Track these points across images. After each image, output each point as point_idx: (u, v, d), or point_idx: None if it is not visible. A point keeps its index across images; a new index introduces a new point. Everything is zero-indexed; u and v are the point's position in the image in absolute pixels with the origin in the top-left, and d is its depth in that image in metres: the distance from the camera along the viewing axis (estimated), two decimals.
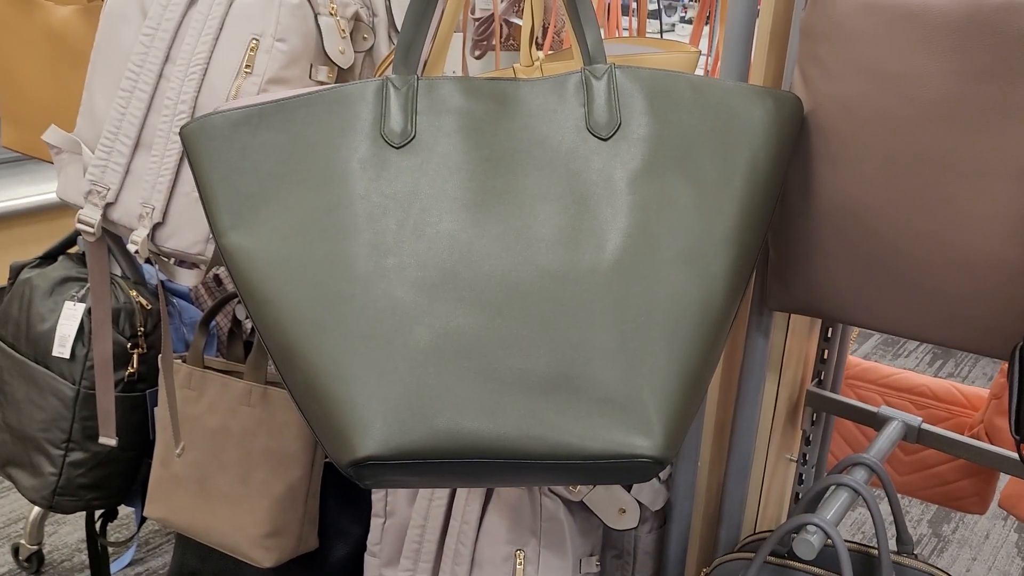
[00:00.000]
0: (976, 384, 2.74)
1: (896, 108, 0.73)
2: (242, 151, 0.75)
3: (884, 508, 2.08)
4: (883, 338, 2.99)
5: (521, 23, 1.56)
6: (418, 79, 0.76)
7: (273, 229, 0.72)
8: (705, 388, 0.70)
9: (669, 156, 0.73)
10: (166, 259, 1.03)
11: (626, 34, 1.61)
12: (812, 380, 1.10)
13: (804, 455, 1.14)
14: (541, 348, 0.67)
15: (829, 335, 1.09)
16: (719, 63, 1.41)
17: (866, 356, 2.84)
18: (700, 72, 1.27)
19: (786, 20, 0.91)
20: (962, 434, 1.00)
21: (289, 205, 0.72)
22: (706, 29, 1.47)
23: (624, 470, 0.66)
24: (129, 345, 1.29)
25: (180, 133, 0.76)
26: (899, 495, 1.85)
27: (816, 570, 0.89)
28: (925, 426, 0.99)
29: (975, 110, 0.70)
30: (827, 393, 1.08)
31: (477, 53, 1.59)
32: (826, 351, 1.10)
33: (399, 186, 0.72)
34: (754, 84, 0.79)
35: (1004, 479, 1.36)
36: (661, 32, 1.62)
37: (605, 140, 0.74)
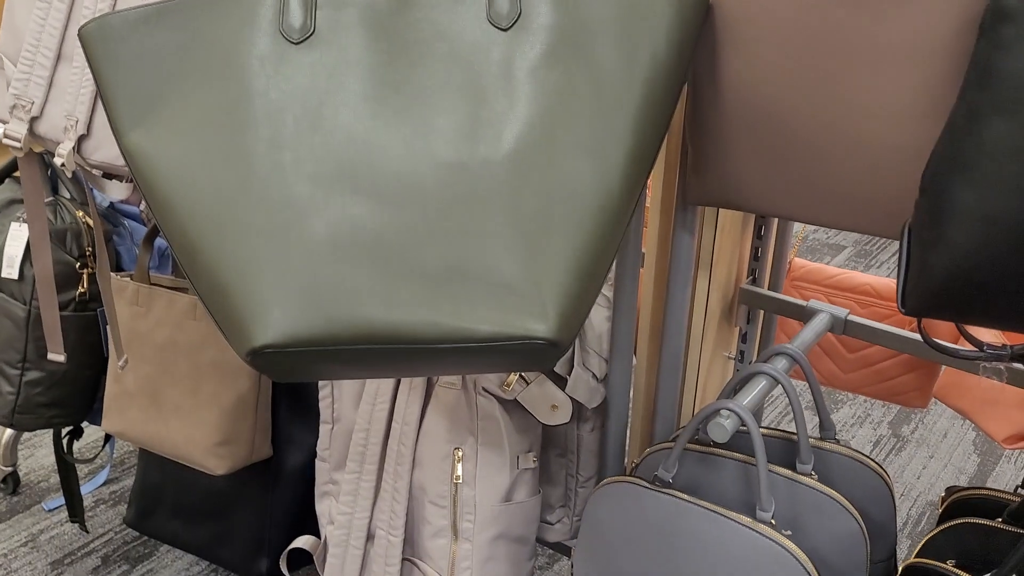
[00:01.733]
0: None
1: None
2: (140, 51, 0.74)
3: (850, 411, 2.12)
4: (856, 251, 3.01)
5: None
6: None
7: (172, 129, 0.72)
8: (602, 277, 0.71)
9: (569, 46, 0.73)
10: (94, 172, 1.04)
11: None
12: (747, 278, 1.12)
13: (741, 352, 1.16)
14: (437, 238, 0.68)
15: (762, 233, 1.10)
16: None
17: (840, 268, 2.85)
18: None
19: None
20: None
21: (188, 104, 0.73)
22: None
23: (521, 352, 0.67)
24: (78, 265, 1.30)
25: (79, 34, 0.76)
26: (845, 392, 1.88)
27: (735, 455, 0.91)
28: (851, 318, 1.00)
29: None
30: (759, 290, 1.09)
31: None
32: (759, 249, 1.11)
33: (297, 82, 0.72)
34: None
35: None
36: None
37: (505, 31, 0.73)
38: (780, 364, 0.92)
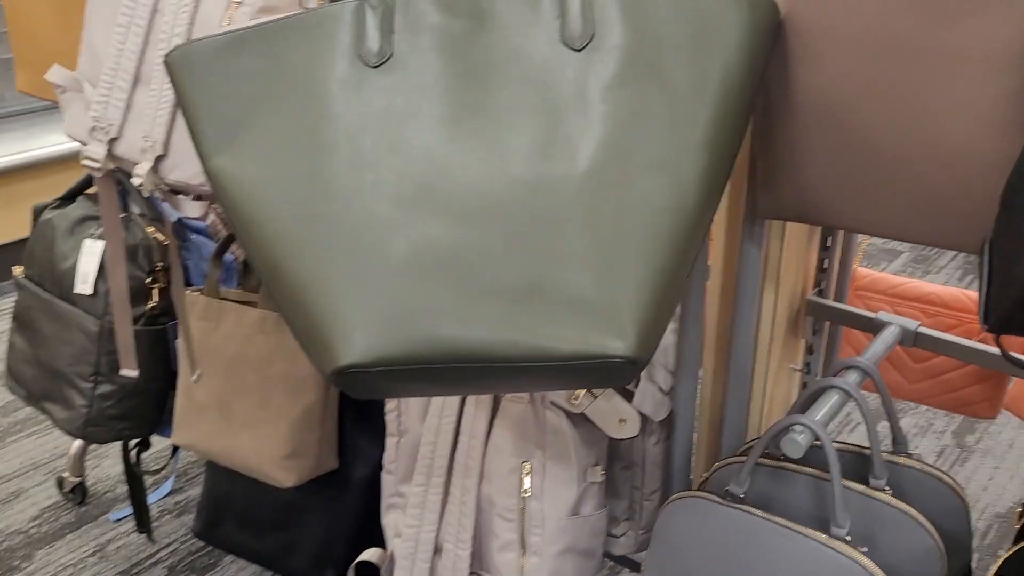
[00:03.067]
0: None
1: None
2: (224, 77, 0.76)
3: (908, 422, 2.09)
4: (913, 255, 2.96)
5: None
6: None
7: (255, 152, 0.74)
8: (679, 292, 0.72)
9: (642, 65, 0.74)
10: (171, 191, 1.06)
11: None
12: (813, 290, 1.11)
13: (808, 364, 1.15)
14: (515, 256, 0.68)
15: (828, 244, 1.09)
16: None
17: (898, 274, 2.81)
18: None
19: None
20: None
21: (270, 128, 0.74)
22: None
23: (599, 371, 0.68)
24: (148, 280, 1.33)
25: (165, 61, 0.78)
26: (912, 402, 1.86)
27: (808, 469, 0.91)
28: (922, 329, 0.99)
29: None
30: (827, 302, 1.08)
31: None
32: (826, 260, 1.10)
33: (376, 104, 0.73)
34: None
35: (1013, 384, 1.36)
36: None
37: (579, 51, 0.74)
38: (852, 378, 0.91)
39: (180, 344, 1.29)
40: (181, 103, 0.78)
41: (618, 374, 0.68)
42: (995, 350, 0.96)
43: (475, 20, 0.76)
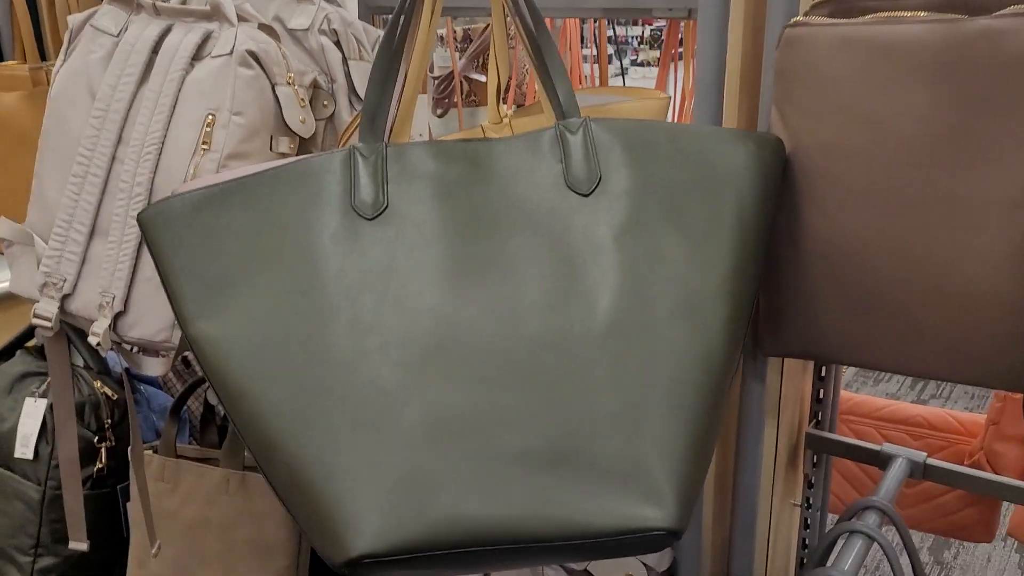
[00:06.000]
0: (960, 403, 2.74)
1: (879, 147, 0.71)
2: (205, 234, 0.71)
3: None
4: None
5: (481, 79, 1.54)
6: (386, 146, 0.73)
7: (243, 315, 0.68)
8: (713, 447, 0.67)
9: (654, 208, 0.71)
10: (130, 349, 0.98)
11: (588, 79, 1.60)
12: (810, 422, 1.07)
13: (808, 499, 1.10)
14: (539, 422, 0.63)
15: (823, 374, 1.06)
16: (690, 105, 1.40)
17: (847, 384, 2.82)
18: (670, 117, 1.25)
19: (756, 60, 0.89)
20: (961, 462, 0.98)
21: (259, 288, 0.68)
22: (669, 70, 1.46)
23: (638, 544, 0.62)
24: (96, 439, 1.23)
25: (138, 220, 0.72)
26: None
27: None
28: (931, 461, 0.96)
29: (961, 143, 0.68)
30: (827, 434, 1.04)
31: (439, 111, 1.57)
32: (821, 390, 1.07)
33: (375, 260, 0.68)
34: (732, 128, 0.77)
35: (1009, 507, 1.34)
36: (623, 74, 1.61)
37: (586, 196, 0.71)
38: (872, 520, 0.87)
39: (133, 509, 1.18)
40: (157, 264, 0.71)
41: (658, 544, 0.62)
42: (1009, 480, 0.93)
43: (472, 167, 0.73)
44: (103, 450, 1.23)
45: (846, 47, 0.70)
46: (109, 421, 1.23)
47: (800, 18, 0.74)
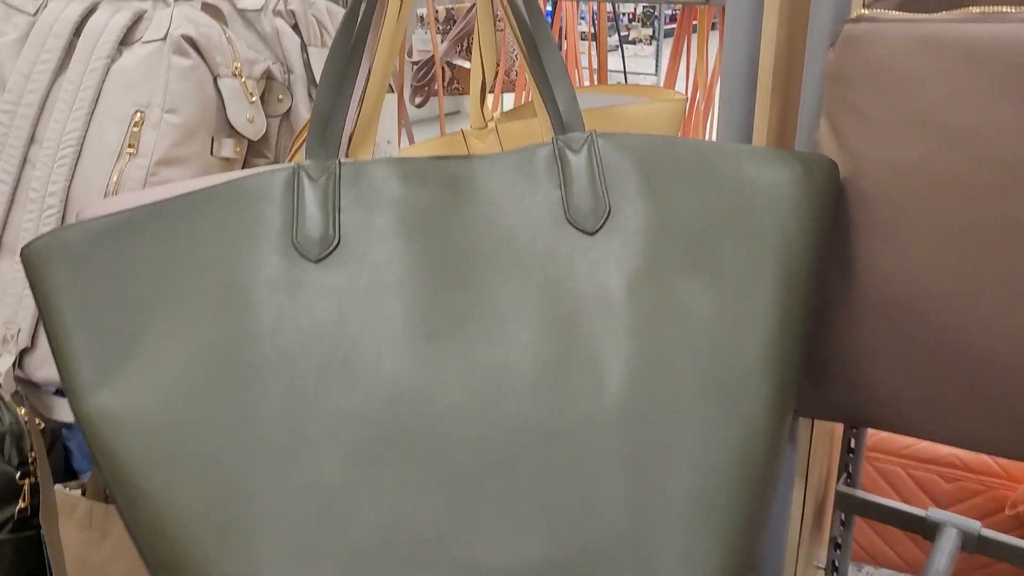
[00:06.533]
0: None
1: (969, 172, 0.56)
2: (107, 276, 0.55)
3: None
4: None
5: (465, 65, 1.38)
6: (340, 164, 0.58)
7: (149, 385, 0.52)
8: (758, 571, 0.52)
9: (677, 250, 0.56)
10: (40, 389, 0.83)
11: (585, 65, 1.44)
12: (839, 476, 0.93)
13: (834, 563, 0.96)
14: (529, 538, 0.48)
15: (857, 429, 0.92)
16: (701, 103, 1.25)
17: None
18: None
19: (789, 54, 0.74)
20: (1002, 509, 0.84)
21: (171, 349, 0.53)
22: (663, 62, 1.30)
23: None
24: (18, 475, 1.07)
25: (21, 256, 0.56)
26: None
27: None
28: (987, 533, 0.82)
29: None
30: (861, 494, 0.90)
31: (418, 100, 1.41)
32: (853, 439, 0.92)
33: (321, 314, 0.53)
34: (773, 148, 0.62)
35: None
36: (622, 54, 1.45)
37: (592, 234, 0.56)
38: None
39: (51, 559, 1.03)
40: (42, 313, 0.55)
41: None
42: None
43: (450, 191, 0.57)
44: (26, 487, 1.08)
45: (928, 49, 0.55)
46: (33, 454, 1.08)
47: (864, 11, 0.59)
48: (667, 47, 4.08)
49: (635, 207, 0.56)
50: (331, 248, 0.55)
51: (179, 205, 0.56)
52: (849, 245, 0.63)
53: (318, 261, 0.54)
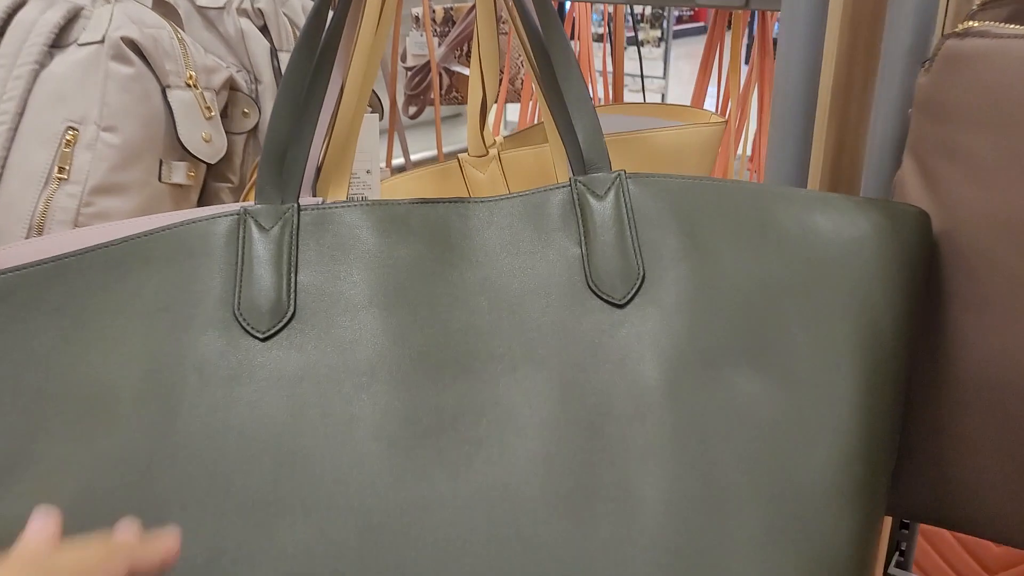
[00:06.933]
0: None
1: None
2: None
3: None
4: None
5: (464, 71, 1.26)
6: (299, 209, 0.45)
7: (46, 499, 0.40)
8: None
9: (730, 332, 0.43)
10: None
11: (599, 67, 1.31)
12: (890, 557, 0.80)
13: None
14: None
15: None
16: (737, 120, 1.12)
17: None
18: None
19: (849, 67, 0.61)
20: None
21: (70, 460, 0.40)
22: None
23: None
24: None
25: None
26: None
27: None
28: None
29: None
30: None
31: (412, 110, 1.28)
32: (907, 529, 0.80)
33: (267, 412, 0.40)
34: (845, 195, 0.49)
35: None
36: (642, 76, 1.33)
37: (621, 306, 0.43)
38: None
39: None
40: None
41: None
42: None
43: (439, 247, 0.45)
44: None
45: None
46: None
47: (973, 24, 0.46)
48: (675, 49, 3.94)
49: (677, 272, 0.43)
50: (284, 321, 0.42)
51: (89, 262, 0.44)
52: (939, 315, 0.50)
53: (267, 339, 0.42)
